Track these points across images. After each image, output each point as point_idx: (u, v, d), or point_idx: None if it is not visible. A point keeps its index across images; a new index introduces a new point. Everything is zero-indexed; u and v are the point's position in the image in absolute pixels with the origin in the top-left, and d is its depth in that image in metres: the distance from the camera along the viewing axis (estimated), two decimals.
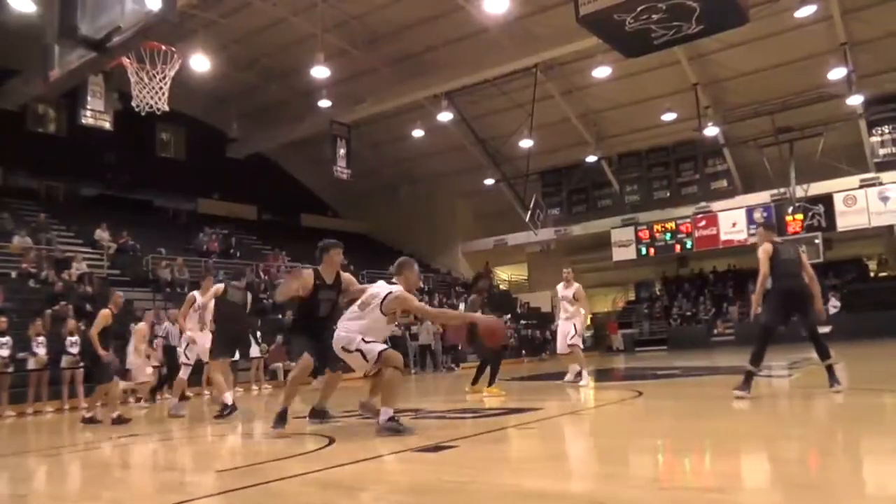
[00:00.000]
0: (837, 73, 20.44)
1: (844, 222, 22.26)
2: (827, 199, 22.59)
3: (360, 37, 21.57)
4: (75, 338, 12.31)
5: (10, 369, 11.42)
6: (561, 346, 9.56)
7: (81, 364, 12.30)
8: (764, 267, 6.19)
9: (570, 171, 27.69)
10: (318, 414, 6.13)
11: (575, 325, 9.37)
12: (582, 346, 9.66)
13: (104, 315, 8.27)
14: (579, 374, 9.39)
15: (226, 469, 4.22)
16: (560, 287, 9.55)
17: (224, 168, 26.45)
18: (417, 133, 25.50)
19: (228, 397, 7.88)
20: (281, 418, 5.62)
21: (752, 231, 23.74)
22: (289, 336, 6.02)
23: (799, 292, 6.28)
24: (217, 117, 26.19)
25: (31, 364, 11.72)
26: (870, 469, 3.44)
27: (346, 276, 5.86)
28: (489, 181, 27.43)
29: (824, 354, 6.17)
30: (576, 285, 9.52)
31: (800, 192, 22.78)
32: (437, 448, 4.47)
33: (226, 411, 7.69)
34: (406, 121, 25.17)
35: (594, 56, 19.93)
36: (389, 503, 3.21)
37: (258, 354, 14.95)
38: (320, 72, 19.45)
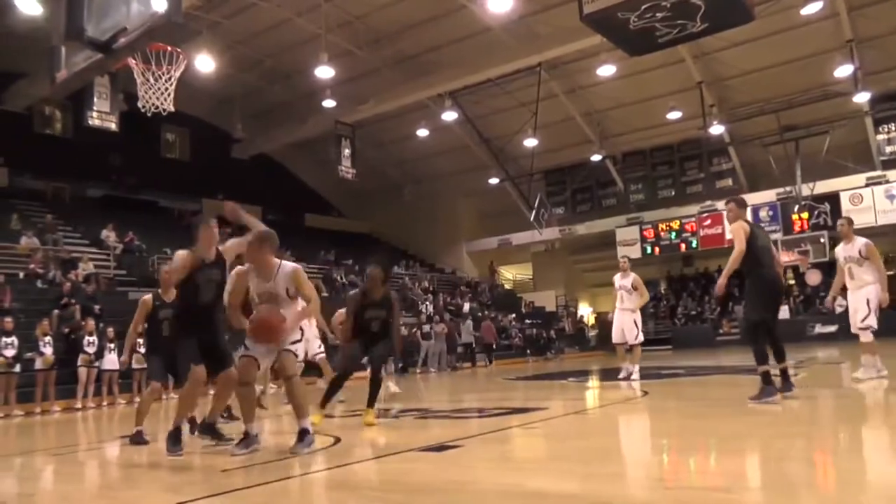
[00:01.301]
0: (844, 71, 20.34)
1: None
2: (833, 198, 22.48)
3: (363, 37, 21.59)
4: (93, 337, 12.34)
5: (17, 369, 11.48)
6: (618, 336, 9.40)
7: (96, 363, 12.35)
8: (741, 244, 5.59)
9: (574, 170, 27.66)
10: (208, 429, 5.20)
11: (636, 321, 9.30)
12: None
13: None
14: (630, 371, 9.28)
15: (231, 468, 4.23)
16: (617, 277, 9.45)
17: (229, 168, 26.51)
18: (422, 133, 25.50)
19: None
20: (175, 439, 4.85)
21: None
22: (174, 339, 5.12)
23: (780, 284, 6.02)
24: (222, 118, 26.23)
25: (39, 364, 11.77)
26: (875, 467, 3.43)
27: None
28: (493, 180, 27.42)
29: (780, 356, 5.81)
30: (633, 274, 9.39)
31: (806, 190, 22.69)
32: (441, 448, 4.47)
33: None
34: (410, 120, 25.18)
35: (598, 55, 19.88)
36: (393, 503, 3.22)
37: None
38: (324, 72, 19.47)
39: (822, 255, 21.84)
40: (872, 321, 6.87)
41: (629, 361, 9.39)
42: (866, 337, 6.88)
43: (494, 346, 21.75)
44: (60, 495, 4.15)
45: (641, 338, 9.37)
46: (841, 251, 7.17)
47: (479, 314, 24.83)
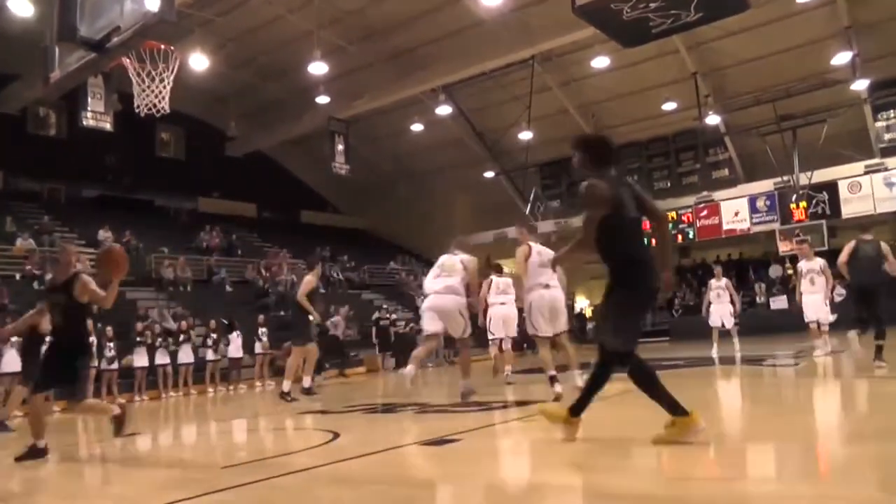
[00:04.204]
0: (841, 58, 20.09)
1: (849, 209, 22.09)
2: (831, 187, 22.39)
3: (356, 32, 21.51)
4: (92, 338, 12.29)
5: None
6: (717, 322, 12.35)
7: (92, 364, 12.31)
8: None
9: (569, 162, 27.34)
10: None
11: (730, 311, 12.35)
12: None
13: (308, 281, 9.26)
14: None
15: (232, 465, 4.23)
16: (713, 281, 12.40)
17: (223, 166, 26.47)
18: (416, 127, 25.43)
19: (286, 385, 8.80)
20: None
21: (756, 220, 23.65)
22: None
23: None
24: (215, 116, 26.15)
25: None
26: (876, 456, 3.44)
27: None
28: (488, 174, 27.34)
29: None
30: (725, 279, 12.61)
31: (803, 179, 22.64)
32: (441, 441, 4.47)
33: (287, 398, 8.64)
34: (404, 115, 25.11)
35: (592, 46, 19.81)
36: (394, 497, 3.22)
37: (261, 350, 15.06)
38: (317, 68, 19.39)
39: (822, 245, 21.81)
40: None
41: (733, 339, 12.13)
42: (819, 331, 9.64)
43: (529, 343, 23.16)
44: (59, 493, 4.14)
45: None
46: (804, 265, 9.72)
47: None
